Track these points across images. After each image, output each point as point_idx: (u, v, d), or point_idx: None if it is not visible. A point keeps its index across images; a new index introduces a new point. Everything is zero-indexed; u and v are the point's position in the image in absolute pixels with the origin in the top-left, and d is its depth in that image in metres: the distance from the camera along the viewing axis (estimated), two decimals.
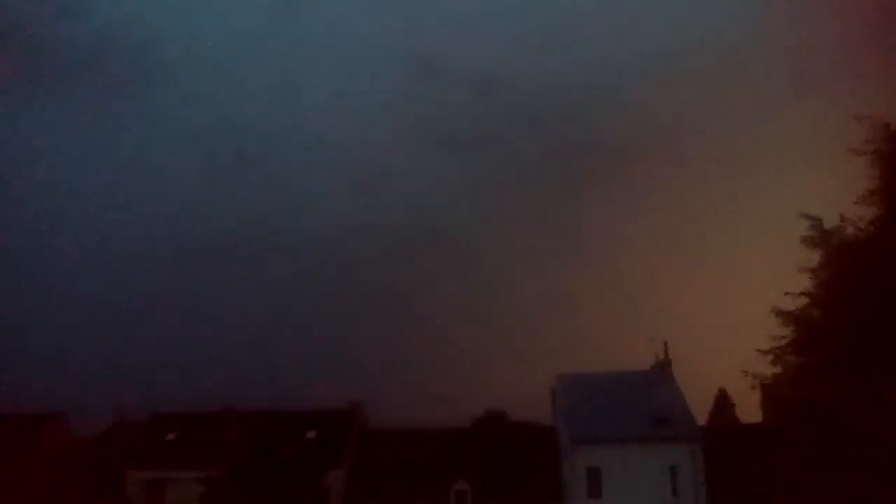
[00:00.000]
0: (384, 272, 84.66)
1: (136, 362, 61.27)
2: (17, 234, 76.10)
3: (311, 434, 40.82)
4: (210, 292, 76.87)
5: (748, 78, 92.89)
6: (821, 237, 15.73)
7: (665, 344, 41.38)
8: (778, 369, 15.92)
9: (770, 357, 15.89)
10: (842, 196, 15.49)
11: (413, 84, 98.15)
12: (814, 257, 15.83)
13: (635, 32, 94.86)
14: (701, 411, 42.05)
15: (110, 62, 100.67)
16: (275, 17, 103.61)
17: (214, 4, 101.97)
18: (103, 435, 42.81)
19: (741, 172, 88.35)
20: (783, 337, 15.96)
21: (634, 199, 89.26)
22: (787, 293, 15.94)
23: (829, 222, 15.77)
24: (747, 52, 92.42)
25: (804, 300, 15.77)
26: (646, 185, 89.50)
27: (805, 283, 15.92)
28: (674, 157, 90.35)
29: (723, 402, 44.98)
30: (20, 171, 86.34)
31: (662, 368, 41.00)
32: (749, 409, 40.15)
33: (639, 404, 38.98)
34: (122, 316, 73.21)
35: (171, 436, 41.52)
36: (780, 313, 15.87)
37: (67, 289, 75.53)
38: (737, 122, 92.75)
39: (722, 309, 75.54)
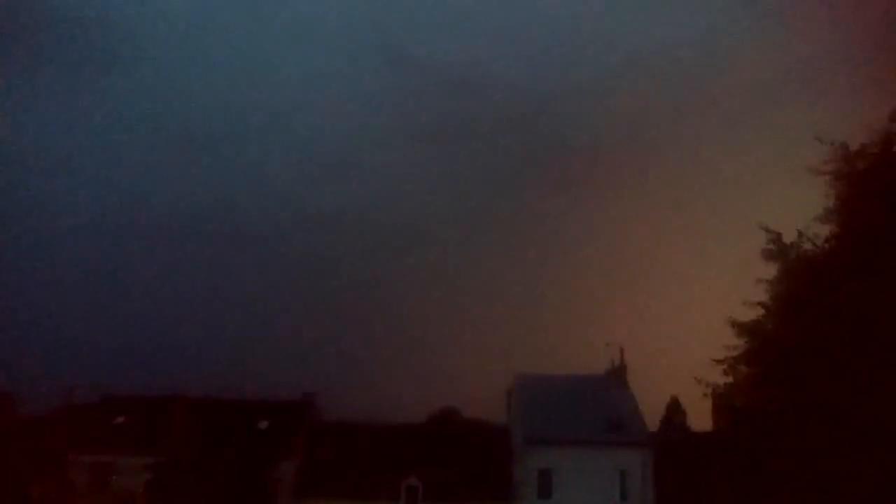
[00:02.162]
0: (346, 263, 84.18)
1: (88, 343, 59.97)
2: None
3: (264, 424, 40.45)
4: (169, 275, 75.70)
5: (719, 91, 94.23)
6: (779, 250, 15.96)
7: (621, 349, 41.79)
8: (730, 379, 16.15)
9: (723, 366, 16.11)
10: (802, 213, 15.74)
11: (389, 75, 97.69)
12: (771, 270, 16.07)
13: (612, 37, 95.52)
14: (653, 418, 42.55)
15: (81, 39, 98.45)
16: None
17: None
18: (49, 416, 41.84)
19: (705, 183, 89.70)
20: (736, 347, 16.19)
21: (599, 203, 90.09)
22: (744, 302, 16.17)
23: (789, 237, 16.02)
24: (719, 66, 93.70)
25: (759, 311, 16.00)
26: (610, 191, 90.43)
27: (761, 295, 16.17)
28: (639, 164, 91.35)
29: (675, 410, 45.49)
30: None
31: (617, 374, 41.38)
32: (700, 419, 40.72)
33: (593, 408, 39.31)
34: (75, 295, 71.63)
35: (119, 419, 40.81)
36: (735, 324, 16.08)
37: (19, 266, 73.68)
38: (704, 133, 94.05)
39: (679, 317, 76.57)
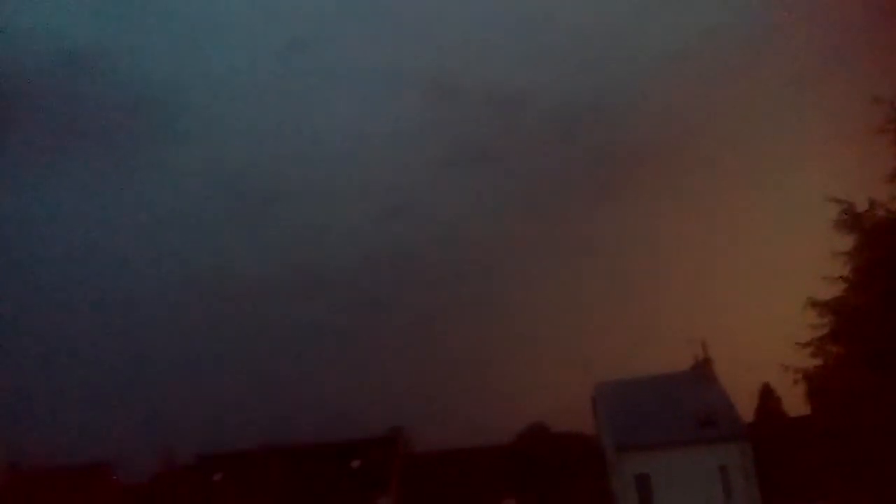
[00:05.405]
0: (413, 298, 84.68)
1: (177, 406, 61.71)
2: (49, 291, 77.25)
3: (356, 463, 40.82)
4: (244, 334, 77.36)
5: (763, 68, 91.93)
6: (853, 221, 15.48)
7: (703, 343, 40.83)
8: (819, 361, 15.64)
9: (810, 349, 15.61)
10: (866, 178, 15.28)
11: (428, 108, 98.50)
12: (847, 242, 15.59)
13: (647, 38, 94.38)
14: (747, 408, 41.30)
15: (124, 117, 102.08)
16: (290, 57, 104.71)
17: (225, 51, 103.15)
18: (150, 481, 43.11)
19: (764, 163, 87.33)
20: (822, 326, 15.70)
21: (659, 199, 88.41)
22: (825, 277, 15.70)
23: (859, 205, 15.53)
24: (761, 43, 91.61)
25: (840, 288, 15.49)
26: (669, 185, 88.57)
27: (840, 269, 15.67)
28: (695, 154, 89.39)
29: (768, 397, 44.10)
30: (51, 233, 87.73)
31: (703, 368, 40.40)
32: (796, 402, 39.31)
33: (682, 406, 38.43)
34: (160, 362, 73.88)
35: (217, 476, 41.72)
36: (816, 304, 15.60)
37: (102, 339, 76.43)
38: (755, 113, 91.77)
39: (758, 303, 74.23)
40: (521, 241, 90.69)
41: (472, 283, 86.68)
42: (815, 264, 15.84)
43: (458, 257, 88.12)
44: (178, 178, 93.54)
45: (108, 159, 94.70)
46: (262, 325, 78.65)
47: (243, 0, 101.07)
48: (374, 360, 74.81)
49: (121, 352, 74.13)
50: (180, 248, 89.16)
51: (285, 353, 73.89)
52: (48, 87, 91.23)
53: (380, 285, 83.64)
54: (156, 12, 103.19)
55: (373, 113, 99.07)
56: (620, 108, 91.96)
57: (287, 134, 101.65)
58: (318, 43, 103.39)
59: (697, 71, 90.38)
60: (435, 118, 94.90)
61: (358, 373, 72.38)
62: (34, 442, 44.13)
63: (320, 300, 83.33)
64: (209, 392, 64.67)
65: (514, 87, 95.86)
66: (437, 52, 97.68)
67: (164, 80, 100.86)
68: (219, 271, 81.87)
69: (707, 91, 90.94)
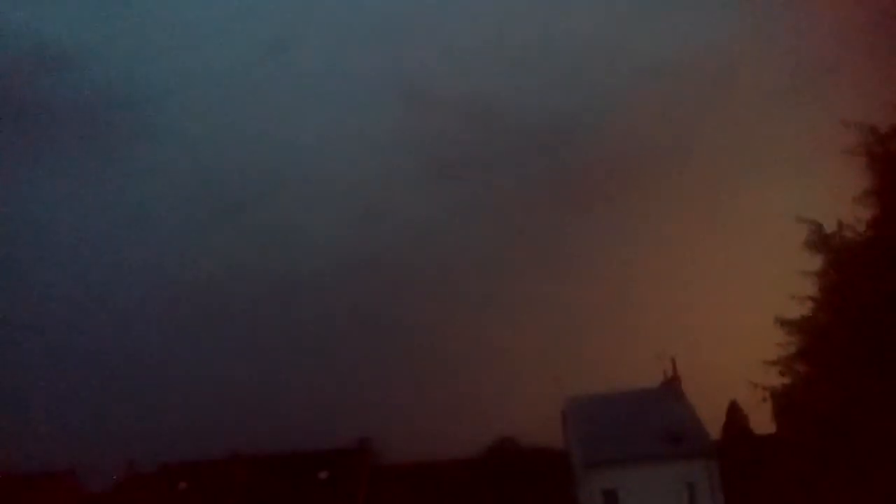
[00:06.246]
0: (383, 307, 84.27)
1: (142, 414, 60.66)
2: (14, 294, 75.78)
3: (323, 474, 40.45)
4: (212, 340, 76.36)
5: (737, 89, 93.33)
6: (821, 241, 15.71)
7: (673, 360, 41.14)
8: (787, 379, 15.80)
9: (777, 367, 15.77)
10: (837, 200, 15.52)
11: (405, 115, 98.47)
12: (815, 262, 15.82)
13: (624, 53, 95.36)
14: (714, 426, 41.60)
15: (100, 119, 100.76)
16: (262, 61, 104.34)
17: (201, 53, 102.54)
18: (114, 489, 42.37)
19: (736, 183, 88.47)
20: (790, 344, 15.88)
21: (631, 216, 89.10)
22: (793, 297, 15.91)
23: (828, 226, 15.79)
24: (734, 63, 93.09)
25: (808, 306, 15.69)
26: (642, 202, 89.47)
27: (808, 288, 15.89)
28: (667, 172, 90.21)
29: (735, 415, 44.46)
30: (16, 234, 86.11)
31: (672, 385, 40.68)
32: (763, 420, 39.65)
33: (651, 422, 38.61)
34: (124, 368, 72.51)
35: (182, 485, 41.13)
36: (784, 322, 15.79)
37: (66, 345, 74.93)
38: (728, 133, 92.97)
39: (727, 321, 74.85)
40: (494, 253, 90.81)
41: (443, 293, 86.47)
42: (785, 283, 16.05)
43: (429, 267, 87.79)
44: (151, 179, 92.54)
45: (81, 159, 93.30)
46: (230, 331, 77.71)
47: (221, 1, 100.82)
48: (344, 369, 74.23)
49: (84, 357, 72.75)
50: (149, 251, 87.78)
51: (252, 360, 72.98)
52: (22, 85, 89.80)
53: (350, 293, 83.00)
54: (133, 11, 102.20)
55: (349, 118, 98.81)
56: (596, 121, 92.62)
57: (262, 136, 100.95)
58: (296, 47, 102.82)
59: (673, 89, 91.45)
60: (412, 125, 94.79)
61: (327, 381, 71.68)
62: None
63: (289, 306, 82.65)
64: (175, 399, 63.66)
65: (490, 98, 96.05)
66: (416, 61, 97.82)
67: (140, 80, 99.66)
68: (187, 275, 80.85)
69: (681, 110, 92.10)
